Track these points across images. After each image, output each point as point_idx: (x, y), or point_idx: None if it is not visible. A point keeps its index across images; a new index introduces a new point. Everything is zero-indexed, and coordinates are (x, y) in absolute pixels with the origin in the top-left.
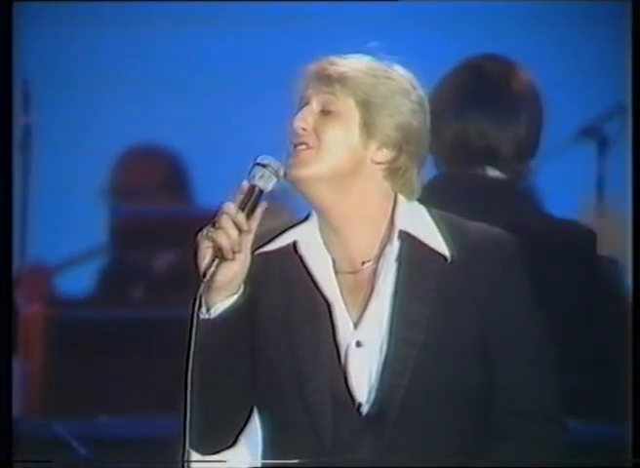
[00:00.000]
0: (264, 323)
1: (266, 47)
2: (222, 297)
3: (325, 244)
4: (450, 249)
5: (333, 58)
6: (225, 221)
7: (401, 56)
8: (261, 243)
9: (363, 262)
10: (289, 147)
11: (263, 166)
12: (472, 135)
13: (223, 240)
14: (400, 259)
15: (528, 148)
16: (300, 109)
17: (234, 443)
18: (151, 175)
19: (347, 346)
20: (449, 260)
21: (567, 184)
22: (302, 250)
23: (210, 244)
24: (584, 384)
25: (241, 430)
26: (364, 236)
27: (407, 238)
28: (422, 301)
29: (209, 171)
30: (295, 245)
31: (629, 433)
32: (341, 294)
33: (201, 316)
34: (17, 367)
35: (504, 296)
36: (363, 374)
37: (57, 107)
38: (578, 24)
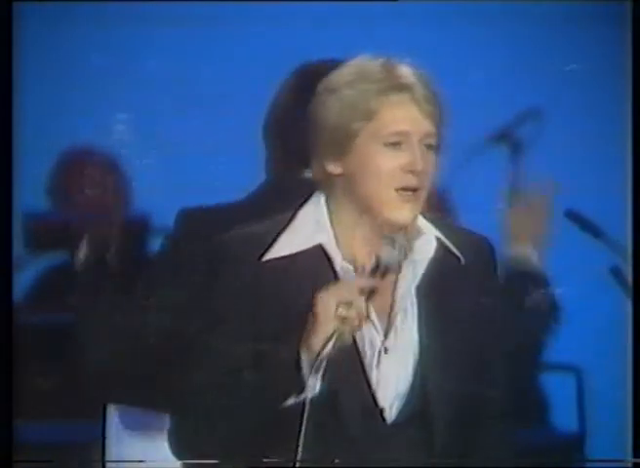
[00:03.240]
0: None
1: (278, 46)
2: None
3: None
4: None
5: None
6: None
7: (400, 54)
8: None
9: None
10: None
11: None
12: None
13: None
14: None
15: None
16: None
17: None
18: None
19: (376, 352)
20: (462, 262)
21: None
22: (330, 251)
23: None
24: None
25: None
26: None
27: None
28: (444, 304)
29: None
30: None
31: (629, 433)
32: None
33: None
34: None
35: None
36: (389, 380)
37: (56, 107)
38: (577, 24)
